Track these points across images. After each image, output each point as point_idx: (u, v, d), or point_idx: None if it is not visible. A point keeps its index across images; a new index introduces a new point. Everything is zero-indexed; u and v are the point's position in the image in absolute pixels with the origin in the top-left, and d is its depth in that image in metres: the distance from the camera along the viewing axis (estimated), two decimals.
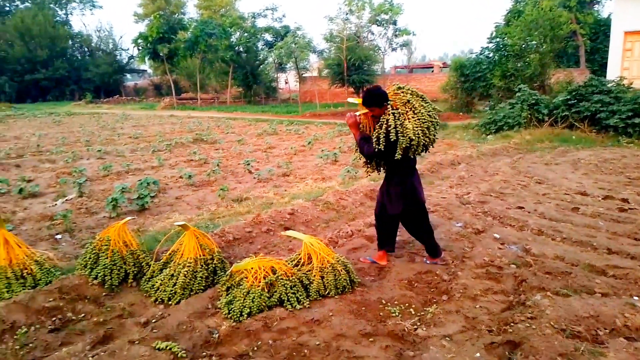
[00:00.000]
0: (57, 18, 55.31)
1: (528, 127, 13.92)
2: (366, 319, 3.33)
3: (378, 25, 33.48)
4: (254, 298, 3.41)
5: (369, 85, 32.18)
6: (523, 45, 17.92)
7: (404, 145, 3.72)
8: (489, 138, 13.72)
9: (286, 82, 47.90)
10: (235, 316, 3.32)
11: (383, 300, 3.60)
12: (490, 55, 20.47)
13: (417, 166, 8.60)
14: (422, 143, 3.79)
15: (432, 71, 40.70)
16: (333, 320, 3.28)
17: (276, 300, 3.48)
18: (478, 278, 4.02)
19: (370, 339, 3.07)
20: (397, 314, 3.41)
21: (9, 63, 47.38)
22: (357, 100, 4.03)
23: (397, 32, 33.57)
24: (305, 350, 2.96)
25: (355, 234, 5.24)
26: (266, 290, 3.50)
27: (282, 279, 3.56)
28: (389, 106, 3.80)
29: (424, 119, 3.79)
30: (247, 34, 38.01)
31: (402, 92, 3.88)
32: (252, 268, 3.61)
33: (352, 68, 29.08)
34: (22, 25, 48.72)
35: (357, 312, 3.44)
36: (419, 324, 3.29)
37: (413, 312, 3.45)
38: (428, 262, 4.35)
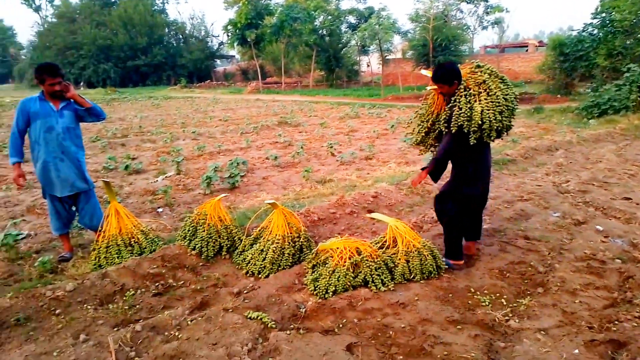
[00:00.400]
0: (155, 7, 59.31)
1: (637, 111, 12.59)
2: (453, 306, 3.26)
3: (468, 3, 31.79)
4: (339, 277, 3.46)
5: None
6: (634, 20, 16.08)
7: (472, 129, 3.45)
8: (591, 123, 12.59)
9: (368, 65, 47.39)
10: (320, 293, 3.41)
11: (472, 289, 3.49)
12: (595, 32, 18.64)
13: (509, 151, 8.21)
14: (494, 128, 3.46)
15: (527, 50, 38.01)
16: (418, 305, 3.25)
17: (361, 280, 3.52)
18: (578, 272, 3.75)
19: (458, 327, 3.00)
20: (487, 303, 3.29)
21: (113, 51, 51.86)
22: (430, 73, 3.76)
23: (488, 10, 31.64)
24: (390, 332, 2.97)
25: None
26: (351, 270, 3.54)
27: (367, 260, 3.58)
28: (460, 86, 3.54)
29: (498, 102, 3.46)
30: (331, 16, 38.07)
31: (481, 71, 3.60)
32: (337, 248, 3.67)
33: (439, 49, 28.03)
34: (125, 14, 53.06)
35: (443, 298, 3.38)
36: (510, 315, 3.15)
37: (504, 303, 3.31)
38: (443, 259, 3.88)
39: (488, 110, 3.43)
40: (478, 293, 3.44)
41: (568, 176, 6.86)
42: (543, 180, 6.64)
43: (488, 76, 3.56)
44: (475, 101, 3.47)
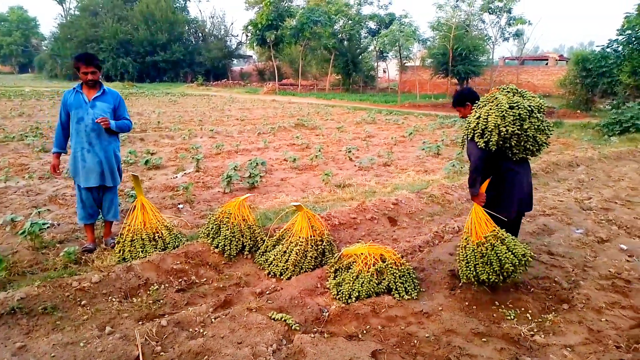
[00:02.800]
0: (177, 4, 59.77)
1: None
2: (478, 319, 3.24)
3: (490, 13, 31.48)
4: (363, 283, 3.46)
5: (475, 77, 30.34)
6: None
7: (477, 134, 3.48)
8: (613, 140, 12.43)
9: (384, 71, 47.35)
10: (343, 298, 3.41)
11: (496, 302, 3.46)
12: (619, 49, 18.38)
13: (530, 165, 8.08)
14: (493, 130, 3.39)
15: (547, 64, 37.68)
16: (443, 315, 3.24)
17: (384, 287, 3.51)
18: (603, 290, 3.71)
19: (483, 339, 2.98)
20: (512, 317, 3.26)
21: (133, 45, 52.38)
22: None
23: (510, 21, 31.36)
24: (415, 341, 2.95)
25: (462, 230, 5.07)
26: (375, 277, 3.53)
27: (391, 267, 3.57)
28: (473, 106, 3.76)
29: (499, 107, 3.44)
30: (352, 21, 38.08)
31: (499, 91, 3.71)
32: (361, 254, 3.67)
33: (458, 58, 27.92)
34: (146, 10, 53.60)
35: (467, 310, 3.35)
36: (536, 330, 3.12)
37: (529, 318, 3.28)
38: None
39: (488, 115, 3.48)
40: (503, 306, 3.41)
41: (590, 193, 6.79)
42: (565, 196, 6.57)
43: (506, 93, 3.64)
44: (481, 110, 3.59)
